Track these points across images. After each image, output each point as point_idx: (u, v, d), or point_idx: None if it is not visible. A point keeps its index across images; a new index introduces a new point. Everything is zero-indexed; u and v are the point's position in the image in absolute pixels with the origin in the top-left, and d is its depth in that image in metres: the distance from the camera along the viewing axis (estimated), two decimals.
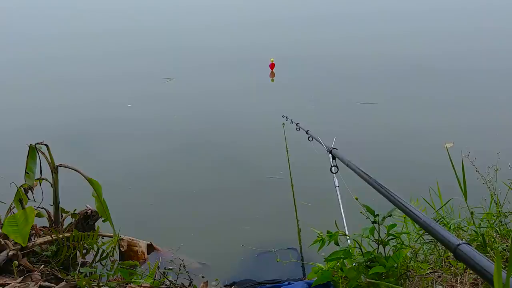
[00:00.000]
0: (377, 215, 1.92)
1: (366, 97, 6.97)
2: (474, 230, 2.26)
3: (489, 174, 2.62)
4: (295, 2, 16.35)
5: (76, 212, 3.07)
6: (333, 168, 2.41)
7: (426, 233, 1.91)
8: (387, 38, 10.74)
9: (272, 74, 8.42)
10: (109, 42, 11.51)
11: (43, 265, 2.62)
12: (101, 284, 2.36)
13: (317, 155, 2.95)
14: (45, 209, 3.01)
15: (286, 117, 4.13)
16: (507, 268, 0.87)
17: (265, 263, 3.44)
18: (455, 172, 2.35)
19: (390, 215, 1.98)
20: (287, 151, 3.91)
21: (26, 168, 2.84)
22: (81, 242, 2.77)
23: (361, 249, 1.96)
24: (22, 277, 2.41)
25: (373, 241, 1.95)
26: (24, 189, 2.78)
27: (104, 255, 2.84)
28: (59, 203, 3.01)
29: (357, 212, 2.09)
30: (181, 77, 8.52)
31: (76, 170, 2.86)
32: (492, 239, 2.19)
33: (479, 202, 2.64)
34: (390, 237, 1.93)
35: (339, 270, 2.04)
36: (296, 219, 3.81)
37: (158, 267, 2.78)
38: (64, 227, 3.03)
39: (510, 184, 2.63)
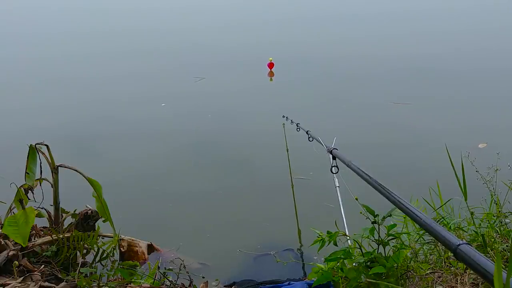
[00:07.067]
0: (377, 215, 1.92)
1: (365, 98, 6.99)
2: (474, 230, 2.26)
3: (489, 174, 2.62)
4: (295, 3, 16.36)
5: (76, 212, 3.07)
6: (333, 168, 2.40)
7: (426, 233, 1.91)
8: (388, 38, 10.74)
9: (271, 74, 8.42)
10: (105, 42, 11.51)
11: (43, 266, 2.62)
12: (101, 285, 2.36)
13: (317, 155, 2.95)
14: (45, 209, 3.01)
15: (286, 117, 4.13)
16: (507, 268, 0.87)
17: (265, 263, 3.44)
18: (455, 172, 2.35)
19: (390, 215, 1.98)
20: (287, 151, 3.91)
21: (26, 168, 2.84)
22: (81, 242, 2.77)
23: (361, 249, 1.96)
24: (22, 277, 2.41)
25: (373, 241, 1.95)
26: (24, 189, 2.78)
27: (105, 255, 2.84)
28: (59, 203, 3.01)
29: (357, 212, 2.09)
30: (181, 77, 8.53)
31: (76, 170, 2.85)
32: (492, 239, 2.19)
33: (479, 202, 2.64)
34: (390, 237, 1.93)
35: (339, 270, 2.04)
36: (296, 219, 3.82)
37: (158, 267, 2.78)
38: (64, 227, 3.03)
39: (510, 184, 2.63)
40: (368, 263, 1.92)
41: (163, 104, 7.03)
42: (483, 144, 4.75)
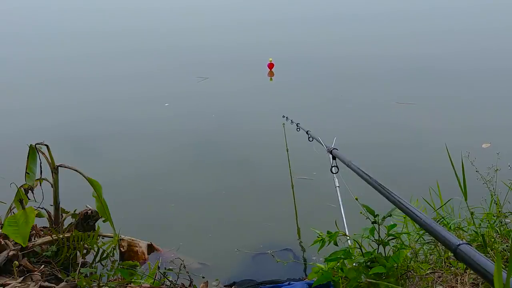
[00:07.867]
0: (377, 215, 1.92)
1: (365, 98, 6.99)
2: (474, 230, 2.26)
3: (489, 174, 2.62)
4: (295, 3, 16.35)
5: (76, 212, 3.07)
6: (333, 168, 2.40)
7: (426, 233, 1.91)
8: (388, 38, 10.74)
9: (271, 74, 8.42)
10: (105, 42, 11.51)
11: (43, 266, 2.62)
12: (101, 285, 2.36)
13: (317, 155, 2.95)
14: (45, 209, 3.01)
15: (286, 117, 4.13)
16: (507, 268, 0.87)
17: (265, 263, 3.44)
18: (455, 172, 2.35)
19: (390, 215, 1.98)
20: (287, 151, 3.91)
21: (26, 168, 2.84)
22: (81, 242, 2.77)
23: (361, 249, 1.96)
24: (22, 277, 2.41)
25: (373, 241, 1.95)
26: (24, 189, 2.78)
27: (105, 255, 2.84)
28: (59, 203, 3.01)
29: (357, 212, 2.09)
30: (181, 77, 8.53)
31: (75, 170, 2.85)
32: (492, 239, 2.19)
33: (479, 202, 2.64)
34: (390, 237, 1.93)
35: (339, 270, 2.04)
36: (296, 219, 3.82)
37: (159, 267, 2.78)
38: (64, 227, 3.03)
39: (510, 184, 2.63)
40: (368, 263, 1.92)
41: (166, 104, 7.03)
42: (486, 144, 4.74)
